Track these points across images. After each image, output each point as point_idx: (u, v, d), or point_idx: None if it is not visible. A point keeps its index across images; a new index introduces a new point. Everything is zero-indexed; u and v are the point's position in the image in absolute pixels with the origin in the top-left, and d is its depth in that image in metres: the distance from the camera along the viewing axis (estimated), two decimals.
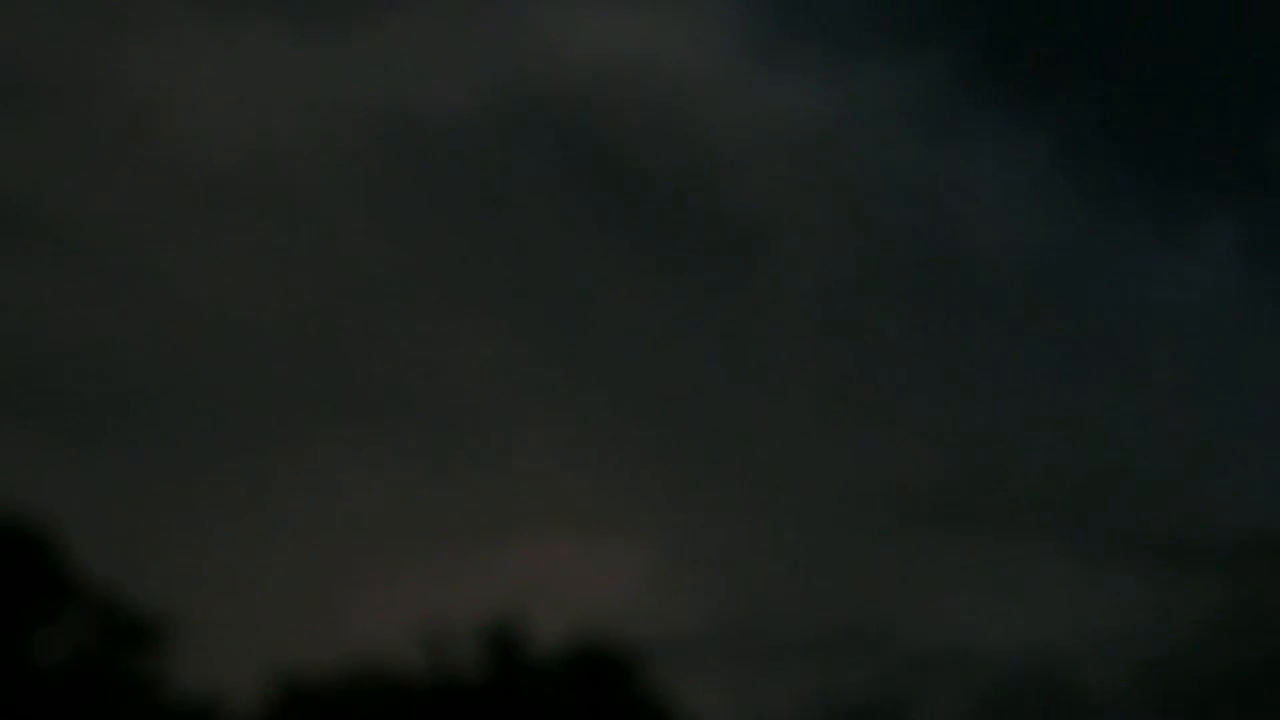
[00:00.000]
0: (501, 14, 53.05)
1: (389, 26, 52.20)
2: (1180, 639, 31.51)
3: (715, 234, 51.10)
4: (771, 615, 39.81)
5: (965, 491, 40.26)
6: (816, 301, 48.67)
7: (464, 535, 37.02)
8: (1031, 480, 38.04)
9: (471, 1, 51.77)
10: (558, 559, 35.70)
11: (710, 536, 39.59)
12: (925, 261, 49.14)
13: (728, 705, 34.84)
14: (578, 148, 51.16)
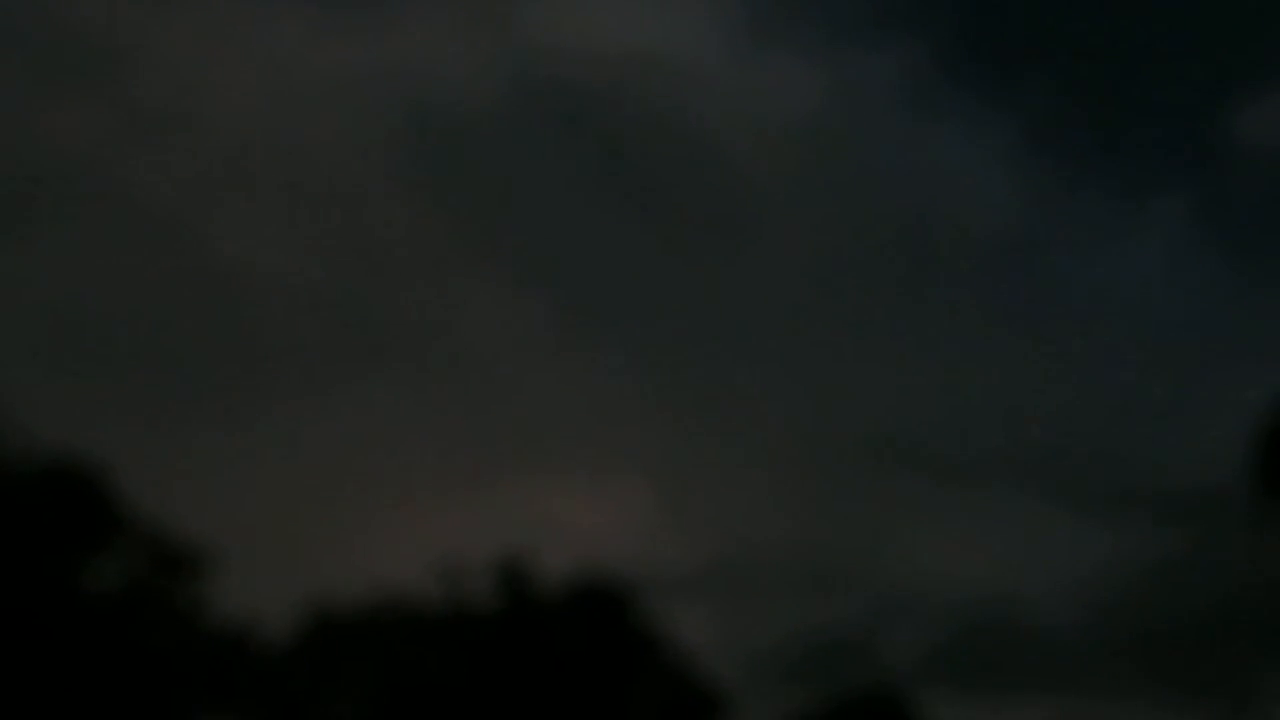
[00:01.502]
0: (514, 9, 55.56)
1: (412, 17, 54.47)
2: (1129, 584, 33.89)
3: (712, 207, 53.71)
4: (755, 556, 42.50)
5: (935, 446, 42.99)
6: (802, 269, 51.42)
7: (477, 477, 39.58)
8: (995, 435, 40.66)
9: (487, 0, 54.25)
10: (562, 501, 38.29)
11: (700, 484, 42.28)
12: (904, 232, 52.07)
13: (715, 638, 37.25)
14: (582, 129, 53.70)
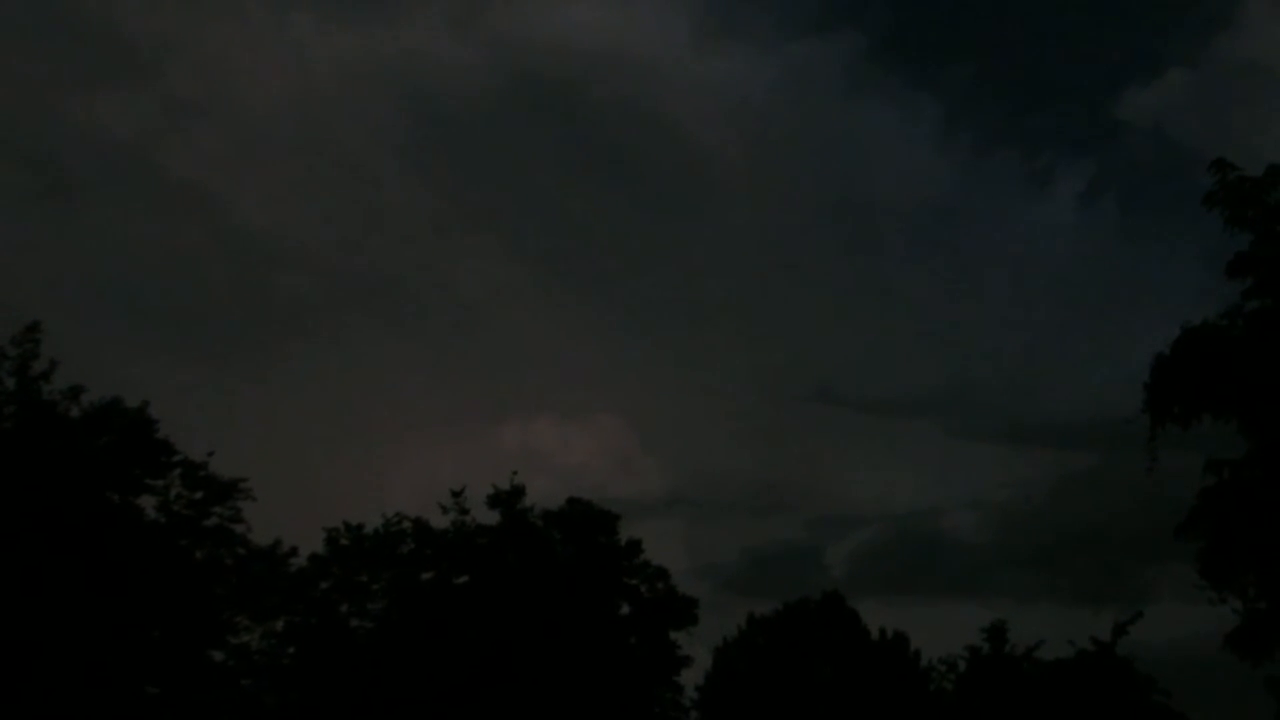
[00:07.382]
0: (503, 7, 69.36)
1: (414, 16, 66.95)
2: (1036, 503, 39.32)
3: (675, 181, 66.33)
4: (715, 481, 51.17)
5: (867, 387, 51.17)
6: (753, 235, 62.49)
7: (477, 417, 47.14)
8: (920, 377, 48.35)
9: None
10: (549, 436, 44.61)
11: (667, 421, 50.76)
12: (842, 202, 64.19)
13: (682, 550, 44.62)
14: (565, 106, 67.05)
